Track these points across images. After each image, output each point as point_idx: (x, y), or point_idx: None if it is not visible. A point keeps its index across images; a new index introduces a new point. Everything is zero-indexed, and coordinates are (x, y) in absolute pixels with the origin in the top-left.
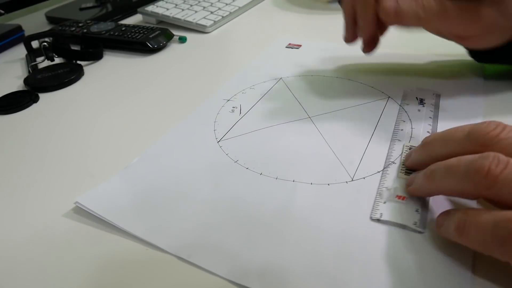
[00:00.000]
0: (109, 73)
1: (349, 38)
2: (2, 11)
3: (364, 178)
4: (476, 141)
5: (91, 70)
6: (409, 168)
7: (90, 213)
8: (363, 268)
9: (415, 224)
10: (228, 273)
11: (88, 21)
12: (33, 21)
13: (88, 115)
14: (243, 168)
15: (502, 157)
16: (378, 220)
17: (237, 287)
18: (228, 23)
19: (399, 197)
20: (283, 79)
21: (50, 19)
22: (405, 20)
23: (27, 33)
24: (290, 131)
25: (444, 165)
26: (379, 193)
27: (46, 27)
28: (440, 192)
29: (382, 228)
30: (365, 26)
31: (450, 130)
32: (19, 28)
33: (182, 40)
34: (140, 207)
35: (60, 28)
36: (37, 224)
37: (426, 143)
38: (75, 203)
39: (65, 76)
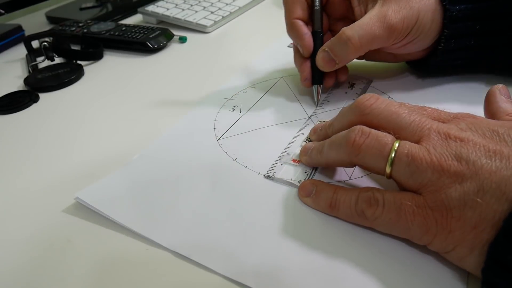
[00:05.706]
0: (109, 73)
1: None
2: (2, 11)
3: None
4: (356, 111)
5: (91, 70)
6: (316, 140)
7: (89, 208)
8: (357, 266)
9: (299, 182)
10: (225, 270)
11: (88, 21)
12: (33, 21)
13: (88, 115)
14: (241, 167)
15: (366, 129)
16: (269, 177)
17: (234, 285)
18: (228, 23)
19: (294, 160)
20: (284, 78)
21: (50, 19)
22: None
23: (27, 33)
24: (290, 130)
25: (328, 141)
26: (279, 157)
27: (46, 27)
28: (327, 163)
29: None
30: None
31: (344, 107)
32: (19, 28)
33: (182, 40)
34: (140, 203)
35: (60, 28)
36: (37, 219)
37: (329, 122)
38: (75, 198)
39: (65, 76)
